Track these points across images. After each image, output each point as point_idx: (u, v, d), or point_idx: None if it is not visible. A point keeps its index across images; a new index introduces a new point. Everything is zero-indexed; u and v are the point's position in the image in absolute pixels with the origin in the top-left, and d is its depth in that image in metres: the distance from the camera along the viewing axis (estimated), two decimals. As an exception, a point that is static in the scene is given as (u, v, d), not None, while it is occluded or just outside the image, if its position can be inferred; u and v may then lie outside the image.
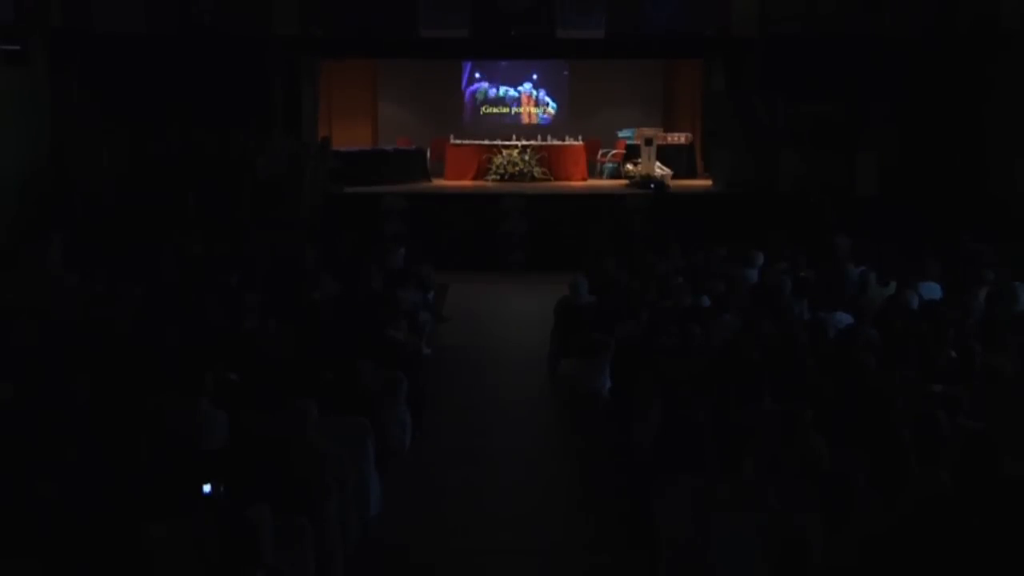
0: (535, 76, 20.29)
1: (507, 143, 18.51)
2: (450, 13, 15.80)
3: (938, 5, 15.42)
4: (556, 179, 18.32)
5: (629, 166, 18.22)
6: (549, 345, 10.33)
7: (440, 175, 18.57)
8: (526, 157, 18.31)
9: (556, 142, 18.79)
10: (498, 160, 18.32)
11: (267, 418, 5.91)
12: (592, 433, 8.29)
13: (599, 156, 19.22)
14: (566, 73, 20.22)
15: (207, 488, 4.75)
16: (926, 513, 4.45)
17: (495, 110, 20.35)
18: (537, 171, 18.30)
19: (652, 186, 16.80)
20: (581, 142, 18.85)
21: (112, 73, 15.11)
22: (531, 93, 20.42)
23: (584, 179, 18.58)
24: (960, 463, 4.83)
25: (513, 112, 20.45)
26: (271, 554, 4.51)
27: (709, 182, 17.96)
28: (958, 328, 7.72)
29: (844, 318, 8.40)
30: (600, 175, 19.01)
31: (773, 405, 6.03)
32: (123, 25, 15.00)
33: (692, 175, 18.71)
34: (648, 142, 17.59)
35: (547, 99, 20.52)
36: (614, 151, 19.04)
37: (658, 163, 17.67)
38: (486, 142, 18.72)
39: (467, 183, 18.18)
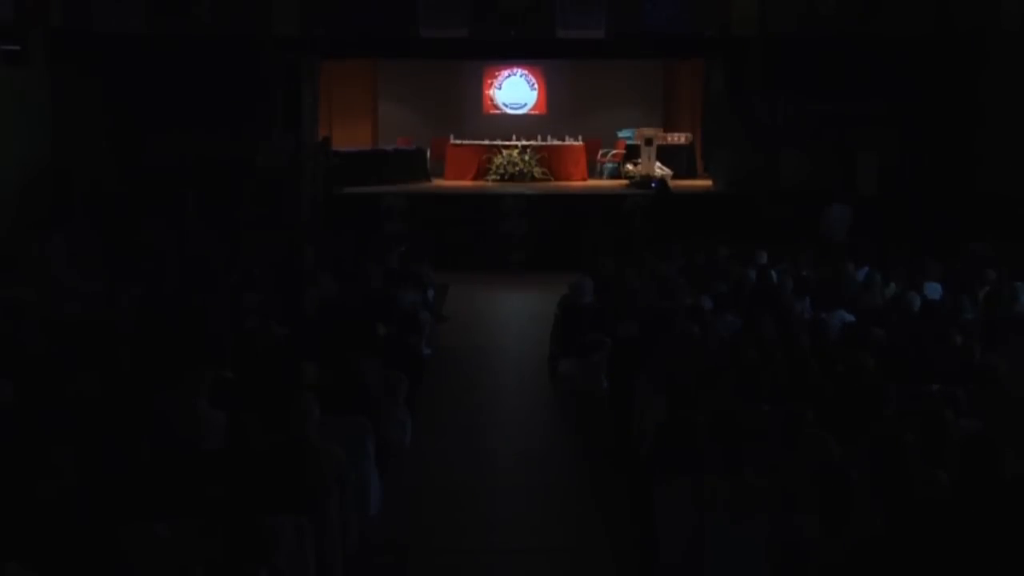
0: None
1: (507, 143, 18.51)
2: (450, 13, 15.78)
3: (938, 5, 15.41)
4: (556, 179, 18.34)
5: (629, 166, 18.22)
6: (549, 345, 10.33)
7: (440, 175, 18.58)
8: (526, 157, 18.32)
9: (556, 142, 18.78)
10: (498, 160, 18.32)
11: (267, 418, 5.90)
12: (592, 433, 8.29)
13: (599, 156, 19.22)
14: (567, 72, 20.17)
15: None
16: (926, 513, 4.44)
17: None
18: (537, 171, 18.31)
19: (653, 185, 16.79)
20: (581, 142, 18.84)
21: (112, 73, 15.10)
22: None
23: (584, 179, 18.59)
24: (960, 463, 4.83)
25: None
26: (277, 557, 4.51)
27: (709, 182, 17.97)
28: (958, 328, 7.72)
29: (845, 317, 8.40)
30: (600, 175, 19.01)
31: (773, 405, 6.03)
32: (123, 25, 14.98)
33: (692, 175, 18.72)
34: (648, 142, 17.60)
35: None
36: (614, 151, 19.04)
37: (658, 163, 17.67)
38: (486, 142, 18.72)
39: (467, 183, 18.19)
